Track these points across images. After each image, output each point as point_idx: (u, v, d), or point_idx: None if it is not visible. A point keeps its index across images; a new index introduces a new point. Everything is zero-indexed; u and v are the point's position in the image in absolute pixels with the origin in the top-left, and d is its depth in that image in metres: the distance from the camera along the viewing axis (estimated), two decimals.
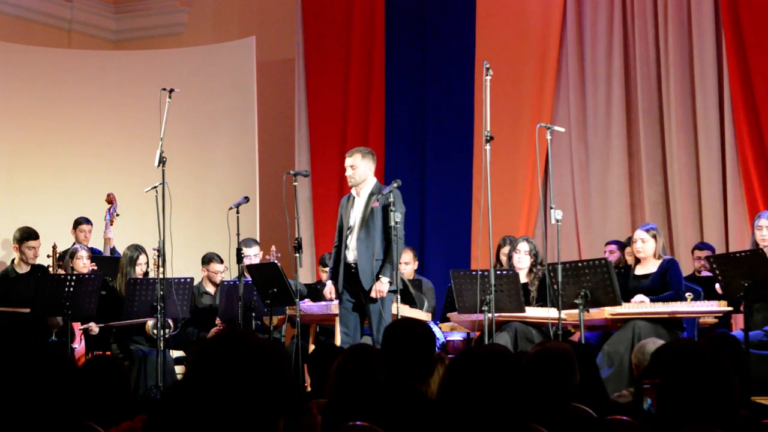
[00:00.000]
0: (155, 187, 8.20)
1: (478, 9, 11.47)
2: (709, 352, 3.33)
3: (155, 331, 8.48)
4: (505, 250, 9.09)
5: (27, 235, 9.17)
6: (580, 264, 7.77)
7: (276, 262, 8.71)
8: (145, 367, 8.63)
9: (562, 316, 7.60)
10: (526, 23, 11.24)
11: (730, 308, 7.97)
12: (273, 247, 9.63)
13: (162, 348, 8.22)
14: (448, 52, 11.68)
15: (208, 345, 2.29)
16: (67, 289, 8.27)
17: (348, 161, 8.23)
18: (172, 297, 8.40)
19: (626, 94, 10.81)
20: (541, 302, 8.30)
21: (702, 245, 9.78)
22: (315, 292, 9.83)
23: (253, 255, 9.35)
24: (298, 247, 8.17)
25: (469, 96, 11.30)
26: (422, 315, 8.70)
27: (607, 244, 10.03)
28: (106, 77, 12.31)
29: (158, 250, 8.20)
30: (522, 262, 8.57)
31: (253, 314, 8.65)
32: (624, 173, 10.76)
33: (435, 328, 8.58)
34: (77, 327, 8.94)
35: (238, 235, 8.48)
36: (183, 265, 9.16)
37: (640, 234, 8.31)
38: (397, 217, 7.79)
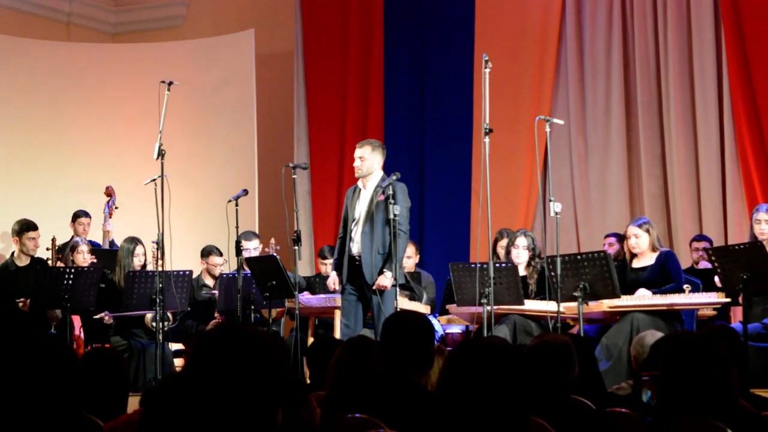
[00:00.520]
0: (154, 179, 8.19)
1: (477, 1, 11.47)
2: (707, 343, 3.33)
3: (154, 324, 8.49)
4: (502, 243, 9.08)
5: (26, 226, 9.16)
6: (579, 257, 7.77)
7: (275, 255, 8.71)
8: (144, 359, 8.64)
9: (561, 309, 7.60)
10: (525, 16, 11.24)
11: (729, 300, 7.97)
12: (272, 240, 9.63)
13: (161, 341, 8.23)
14: (447, 45, 11.67)
15: (207, 337, 2.29)
16: (66, 281, 8.28)
17: (357, 152, 8.22)
18: (171, 290, 8.40)
19: (625, 87, 10.81)
20: (541, 295, 8.30)
21: (699, 237, 9.80)
22: (314, 284, 9.84)
23: (253, 248, 9.35)
24: (297, 240, 8.17)
25: (468, 89, 11.29)
26: (421, 308, 8.71)
27: (606, 236, 10.02)
28: (104, 70, 12.30)
29: (157, 243, 8.20)
30: (520, 257, 8.56)
31: (252, 307, 8.66)
32: (623, 166, 10.76)
33: (434, 321, 8.59)
34: (76, 320, 8.95)
35: (237, 227, 8.49)
36: (182, 258, 9.15)
37: (632, 230, 8.28)
38: (396, 209, 7.78)
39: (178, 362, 8.99)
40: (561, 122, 8.62)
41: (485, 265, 7.58)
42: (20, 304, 8.67)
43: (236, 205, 8.54)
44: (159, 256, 8.21)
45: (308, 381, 6.00)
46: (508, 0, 11.41)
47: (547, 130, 8.00)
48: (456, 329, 8.99)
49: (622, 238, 9.70)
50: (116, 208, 10.55)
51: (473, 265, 7.83)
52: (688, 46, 10.47)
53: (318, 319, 9.32)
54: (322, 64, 12.18)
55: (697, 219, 10.38)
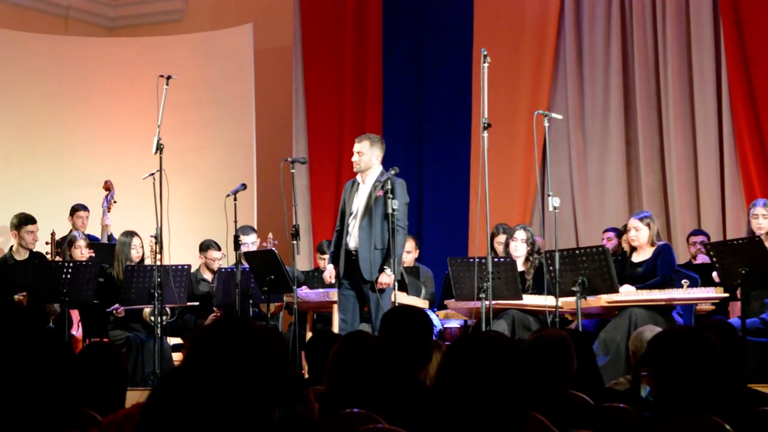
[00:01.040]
0: (153, 174, 8.19)
1: None
2: (700, 337, 3.34)
3: (152, 318, 8.49)
4: (500, 238, 9.09)
5: (24, 219, 9.16)
6: (577, 251, 7.77)
7: (273, 249, 8.71)
8: (142, 354, 8.65)
9: (559, 303, 7.60)
10: (524, 10, 11.23)
11: (727, 294, 7.98)
12: (270, 235, 9.62)
13: (159, 335, 8.23)
14: (446, 39, 11.66)
15: (205, 332, 2.29)
16: (64, 276, 8.28)
17: (356, 147, 8.22)
18: (170, 284, 8.40)
19: (624, 82, 10.81)
20: (537, 290, 8.30)
21: (697, 231, 9.80)
22: (312, 279, 9.84)
23: (251, 243, 9.34)
24: (296, 235, 8.16)
25: (467, 83, 11.28)
26: (419, 302, 8.71)
27: (605, 231, 10.03)
28: (103, 64, 12.29)
29: (156, 237, 8.20)
30: (519, 250, 8.56)
31: (251, 301, 8.66)
32: (621, 161, 10.76)
33: (432, 316, 8.59)
34: (74, 314, 8.95)
35: (235, 222, 8.48)
36: (180, 252, 9.15)
37: (633, 223, 8.30)
38: (394, 204, 7.78)
39: (177, 356, 8.99)
40: (560, 117, 8.61)
41: (484, 260, 7.58)
42: (18, 298, 8.66)
43: (235, 199, 8.53)
44: (157, 250, 8.21)
45: (307, 376, 6.00)
46: None
47: (546, 124, 8.00)
48: (454, 324, 8.99)
49: (620, 233, 9.71)
50: (115, 202, 10.55)
51: (472, 260, 7.83)
52: (687, 40, 10.47)
53: (316, 313, 9.32)
54: (320, 58, 12.17)
55: (696, 213, 10.38)
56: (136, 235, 9.09)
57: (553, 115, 8.31)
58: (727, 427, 3.14)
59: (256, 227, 10.17)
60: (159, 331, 8.23)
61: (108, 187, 10.58)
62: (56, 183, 11.81)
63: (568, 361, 4.31)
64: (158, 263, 8.21)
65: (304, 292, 8.76)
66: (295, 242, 8.16)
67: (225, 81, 12.21)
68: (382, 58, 11.90)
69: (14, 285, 8.78)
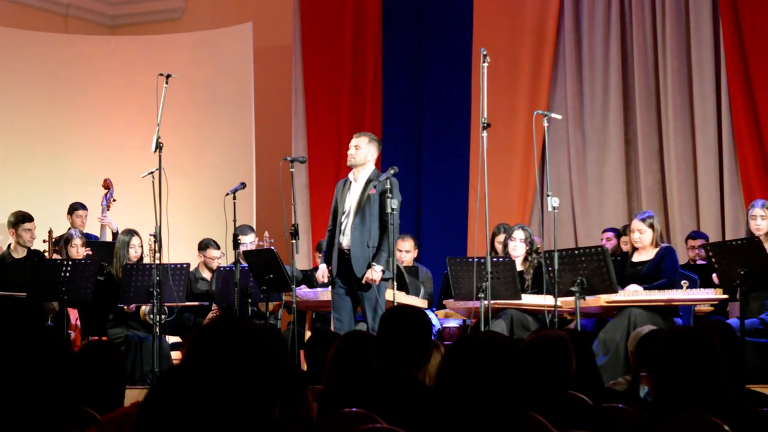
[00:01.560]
0: (152, 172, 8.19)
1: None
2: (700, 338, 3.34)
3: (150, 317, 8.48)
4: (500, 238, 9.09)
5: (21, 218, 9.16)
6: (576, 251, 7.77)
7: (272, 248, 8.70)
8: (141, 352, 8.64)
9: (558, 303, 7.60)
10: (523, 10, 11.23)
11: (726, 296, 7.97)
12: (266, 233, 9.62)
13: (158, 333, 8.23)
14: (445, 39, 11.66)
15: (204, 331, 2.29)
16: (63, 274, 8.27)
17: (353, 141, 8.22)
18: (169, 282, 8.40)
19: (623, 82, 10.81)
20: (536, 289, 8.30)
21: (696, 234, 9.78)
22: (311, 278, 9.83)
23: (249, 242, 9.34)
24: (295, 234, 8.16)
25: (466, 83, 11.28)
26: (418, 302, 8.71)
27: (604, 231, 10.03)
28: (102, 62, 12.28)
29: (155, 236, 8.20)
30: (517, 249, 8.56)
31: (250, 300, 8.65)
32: (621, 161, 10.76)
33: (431, 315, 8.59)
34: (73, 313, 8.94)
35: (234, 221, 8.48)
36: (179, 251, 9.15)
37: (637, 225, 8.26)
38: (393, 203, 7.78)
39: (176, 355, 8.99)
40: (559, 117, 8.61)
41: (483, 260, 7.58)
42: None
43: (234, 198, 8.53)
44: (156, 248, 8.20)
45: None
46: None
47: (545, 124, 7.99)
48: (453, 323, 8.99)
49: (619, 233, 9.73)
50: (114, 200, 10.53)
51: (471, 260, 7.83)
52: (686, 40, 10.47)
53: (315, 312, 9.31)
54: (320, 57, 12.17)
55: (695, 213, 10.38)
56: (136, 233, 9.09)
57: (553, 115, 8.30)
58: (726, 427, 3.14)
59: (255, 226, 10.17)
60: (158, 330, 8.22)
61: (107, 185, 10.57)
62: (55, 181, 11.80)
63: (567, 362, 4.31)
64: (157, 262, 8.21)
65: (303, 291, 8.76)
66: (294, 241, 8.15)
67: (224, 80, 12.21)
68: (381, 57, 11.90)
69: (12, 283, 8.77)
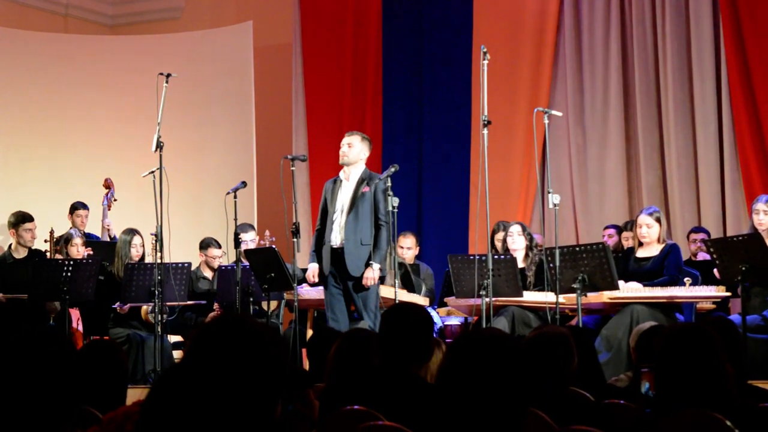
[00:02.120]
0: (152, 172, 8.18)
1: None
2: (702, 334, 3.34)
3: (152, 316, 8.48)
4: (499, 236, 9.09)
5: (22, 218, 9.16)
6: (577, 248, 7.76)
7: (273, 246, 8.70)
8: (143, 351, 8.65)
9: (560, 300, 7.60)
10: (523, 7, 11.23)
11: (729, 294, 7.96)
12: (267, 232, 9.62)
13: (160, 333, 8.23)
14: (446, 37, 11.66)
15: (205, 329, 2.29)
16: (64, 273, 8.28)
17: (346, 139, 8.24)
18: (170, 282, 8.40)
19: (623, 78, 10.81)
20: (539, 287, 8.30)
21: (697, 229, 9.79)
22: None
23: (249, 240, 9.34)
24: (296, 232, 8.16)
25: (467, 80, 11.28)
26: (419, 299, 8.71)
27: (606, 228, 10.03)
28: (102, 62, 12.28)
29: (156, 235, 8.20)
30: (516, 242, 8.56)
31: (251, 299, 8.65)
32: (621, 157, 10.77)
33: (432, 313, 8.59)
34: (74, 312, 8.94)
35: (235, 219, 8.49)
36: (180, 250, 9.15)
37: (644, 219, 8.19)
38: (395, 201, 7.79)
39: (177, 354, 8.99)
40: (559, 114, 8.61)
41: (484, 257, 7.58)
42: None
43: (235, 197, 8.54)
44: (157, 248, 8.20)
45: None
46: None
47: (546, 121, 7.99)
48: (455, 321, 8.99)
49: (620, 230, 9.72)
50: (115, 200, 10.53)
51: (472, 257, 7.83)
52: (686, 36, 10.47)
53: (317, 311, 9.31)
54: (320, 56, 12.17)
55: (696, 209, 10.38)
56: (138, 233, 9.10)
57: (553, 112, 8.30)
58: (728, 423, 3.14)
59: (256, 225, 10.17)
60: (159, 329, 8.22)
61: (108, 185, 10.57)
62: (56, 181, 11.80)
63: (568, 358, 4.31)
64: (158, 261, 8.21)
65: (305, 290, 8.76)
66: (295, 240, 8.15)
67: (225, 79, 12.21)
68: (381, 55, 11.90)
69: (13, 283, 8.78)
